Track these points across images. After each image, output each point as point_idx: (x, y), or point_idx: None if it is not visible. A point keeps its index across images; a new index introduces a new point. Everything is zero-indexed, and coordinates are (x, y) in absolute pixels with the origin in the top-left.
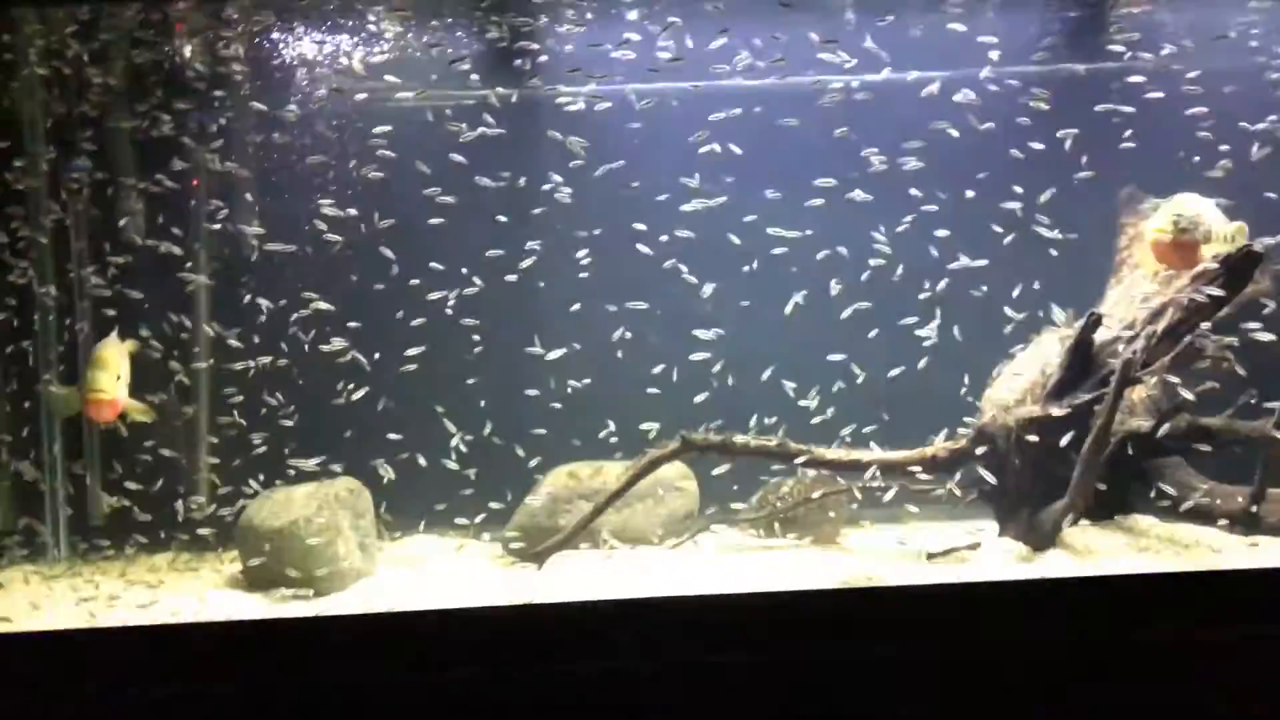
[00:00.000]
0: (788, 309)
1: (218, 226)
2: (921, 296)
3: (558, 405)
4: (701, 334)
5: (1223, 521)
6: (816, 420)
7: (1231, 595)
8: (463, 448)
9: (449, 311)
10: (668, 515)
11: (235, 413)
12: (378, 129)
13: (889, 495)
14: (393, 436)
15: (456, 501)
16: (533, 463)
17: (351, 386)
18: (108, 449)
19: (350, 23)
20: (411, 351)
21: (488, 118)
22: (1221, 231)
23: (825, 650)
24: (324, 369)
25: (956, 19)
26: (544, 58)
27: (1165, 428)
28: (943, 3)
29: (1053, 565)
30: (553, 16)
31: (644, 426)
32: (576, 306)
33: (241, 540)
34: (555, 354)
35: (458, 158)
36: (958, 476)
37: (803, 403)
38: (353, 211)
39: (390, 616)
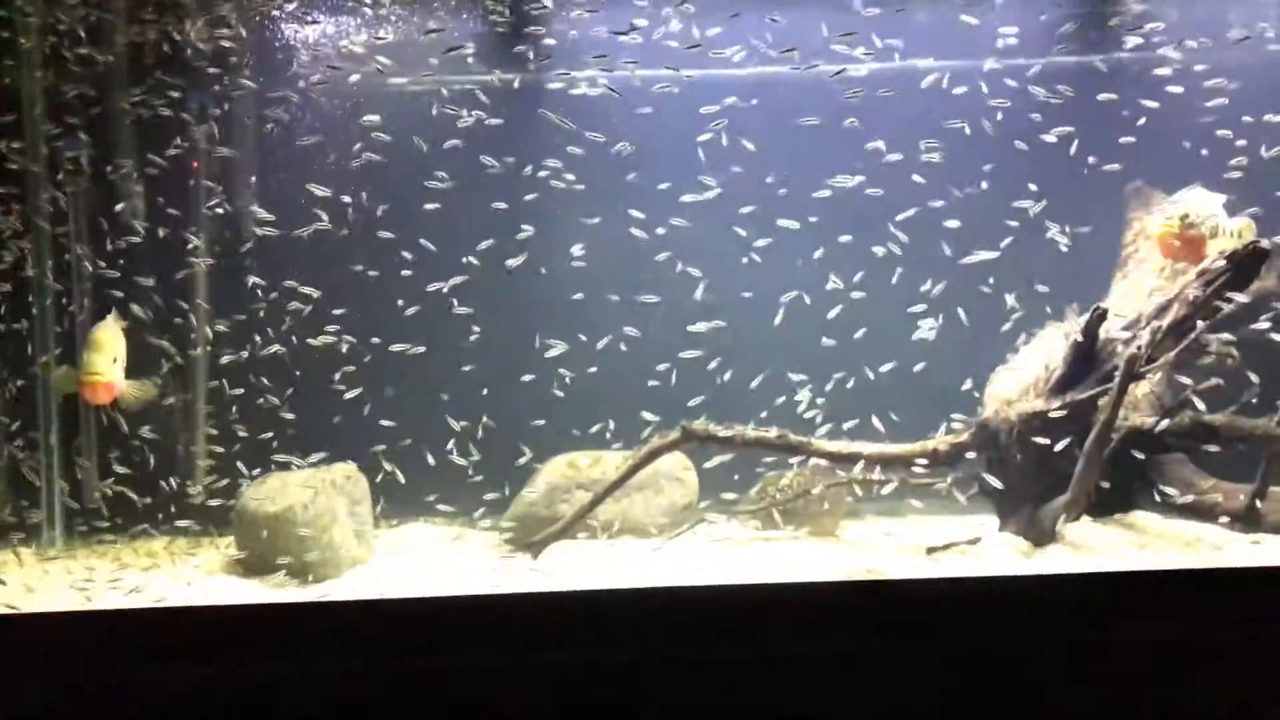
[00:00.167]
0: (776, 319)
1: (215, 209)
2: (923, 289)
3: (560, 394)
4: (699, 328)
5: (1224, 519)
6: (814, 414)
7: (1233, 593)
8: (473, 452)
9: (452, 302)
10: (667, 506)
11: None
12: (372, 115)
13: (888, 489)
14: (385, 423)
15: (453, 490)
16: (529, 455)
17: (351, 370)
18: (104, 433)
19: (351, 4)
20: (398, 347)
21: (473, 109)
22: (1228, 227)
23: (821, 643)
24: (321, 357)
25: (967, 11)
26: (551, 42)
27: (1168, 424)
28: None
29: (1053, 561)
30: (561, 3)
31: (646, 416)
32: (579, 296)
33: (237, 526)
34: (554, 351)
35: (454, 142)
36: (953, 476)
37: (803, 398)
38: (346, 199)
39: (385, 603)
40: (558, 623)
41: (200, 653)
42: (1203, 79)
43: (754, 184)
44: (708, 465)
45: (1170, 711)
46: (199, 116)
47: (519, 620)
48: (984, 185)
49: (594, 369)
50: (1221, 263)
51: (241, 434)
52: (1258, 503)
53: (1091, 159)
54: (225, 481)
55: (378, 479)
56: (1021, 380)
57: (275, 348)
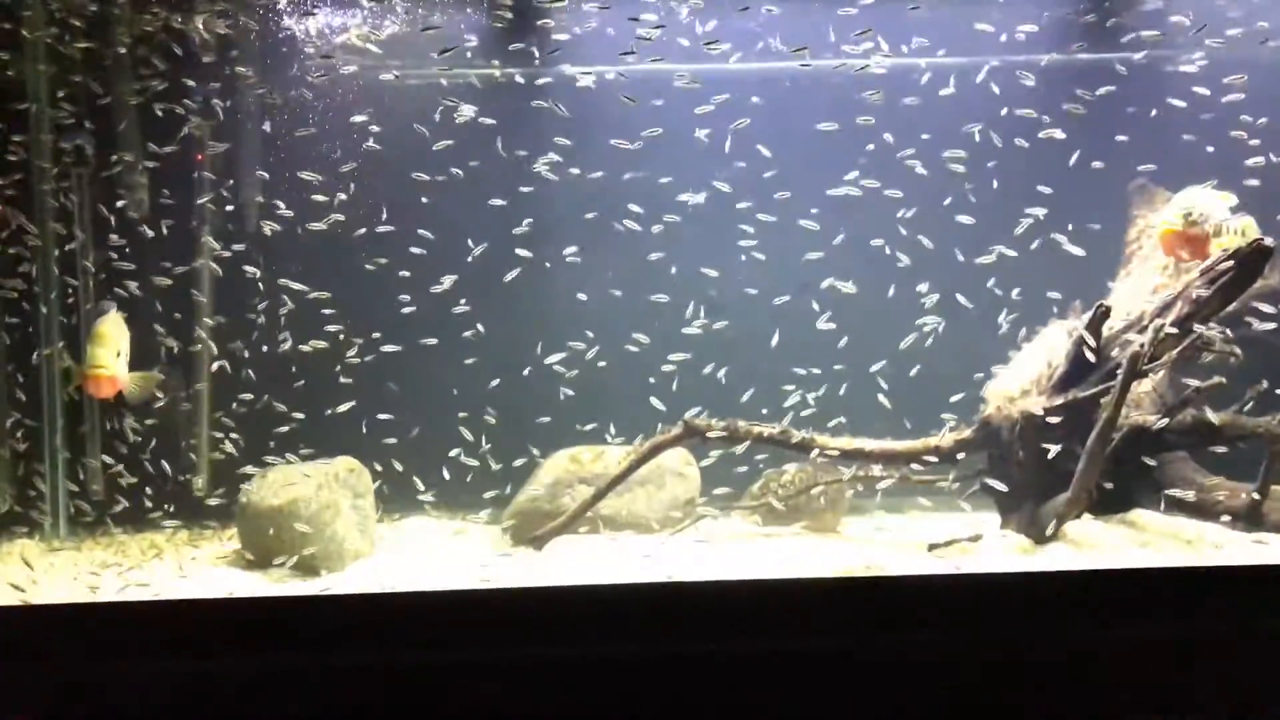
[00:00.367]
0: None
1: (219, 203)
2: (920, 287)
3: (570, 392)
4: (694, 330)
5: (1226, 517)
6: (811, 411)
7: (1234, 591)
8: (482, 445)
9: (458, 299)
10: (669, 501)
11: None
12: (384, 110)
13: (883, 484)
14: (385, 417)
15: (456, 484)
16: (537, 454)
17: (355, 363)
18: (108, 426)
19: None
20: (387, 347)
21: (481, 102)
22: (1232, 225)
23: (821, 639)
24: (326, 353)
25: (978, 13)
26: (562, 36)
27: (1169, 422)
28: None
29: (1054, 558)
30: None
31: (655, 403)
32: (582, 297)
33: (241, 519)
34: (554, 358)
35: (445, 143)
36: (955, 473)
37: (802, 395)
38: (341, 198)
39: (387, 596)
40: (559, 617)
41: (202, 645)
42: (1214, 77)
43: (760, 182)
44: (703, 463)
45: (1170, 709)
46: (203, 110)
47: (521, 614)
48: (994, 184)
49: (603, 363)
50: (1226, 261)
51: (243, 431)
52: (1259, 500)
53: (1097, 162)
54: (229, 475)
55: (380, 473)
56: (1024, 378)
57: (283, 344)
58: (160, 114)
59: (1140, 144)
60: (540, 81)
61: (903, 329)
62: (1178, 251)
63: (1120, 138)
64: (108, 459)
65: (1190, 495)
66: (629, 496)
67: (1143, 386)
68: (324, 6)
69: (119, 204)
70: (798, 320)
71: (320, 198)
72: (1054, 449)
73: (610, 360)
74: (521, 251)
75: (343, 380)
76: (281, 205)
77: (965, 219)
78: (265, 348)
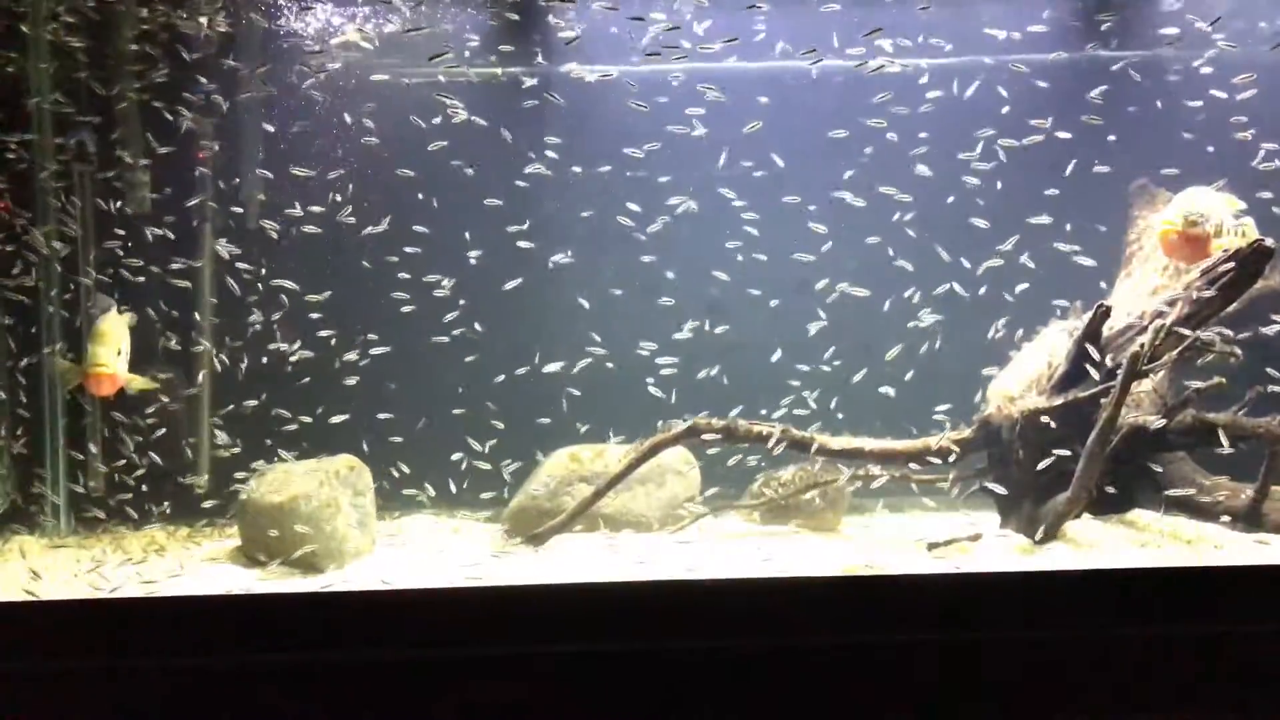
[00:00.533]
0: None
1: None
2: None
3: (576, 392)
4: (683, 334)
5: (1225, 518)
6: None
7: (1233, 591)
8: (483, 449)
9: (460, 302)
10: (669, 500)
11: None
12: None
13: (875, 484)
14: (383, 416)
15: (456, 482)
16: (538, 456)
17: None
18: (110, 424)
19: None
20: (379, 348)
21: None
22: (1232, 225)
23: (819, 637)
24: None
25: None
26: (571, 34)
27: (1169, 422)
28: None
29: (1053, 558)
30: None
31: (654, 392)
32: (584, 304)
33: (241, 516)
34: (552, 367)
35: (439, 144)
36: (955, 473)
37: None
38: (337, 198)
39: (386, 594)
40: (558, 614)
41: (202, 643)
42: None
43: (763, 183)
44: (702, 462)
45: (1171, 708)
46: (204, 107)
47: (520, 612)
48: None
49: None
50: (1226, 261)
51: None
52: (1259, 500)
53: (1102, 167)
54: (229, 472)
55: (380, 471)
56: (1024, 377)
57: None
58: (162, 111)
59: (1141, 145)
60: (531, 81)
61: (903, 330)
62: (1178, 252)
63: (1112, 137)
64: (109, 456)
65: (1190, 495)
66: (628, 495)
67: (1143, 387)
68: (326, 4)
69: (120, 202)
70: (799, 321)
71: (318, 205)
72: (1054, 447)
73: (612, 360)
74: (524, 244)
75: (343, 379)
76: (286, 204)
77: (969, 220)
78: (267, 346)
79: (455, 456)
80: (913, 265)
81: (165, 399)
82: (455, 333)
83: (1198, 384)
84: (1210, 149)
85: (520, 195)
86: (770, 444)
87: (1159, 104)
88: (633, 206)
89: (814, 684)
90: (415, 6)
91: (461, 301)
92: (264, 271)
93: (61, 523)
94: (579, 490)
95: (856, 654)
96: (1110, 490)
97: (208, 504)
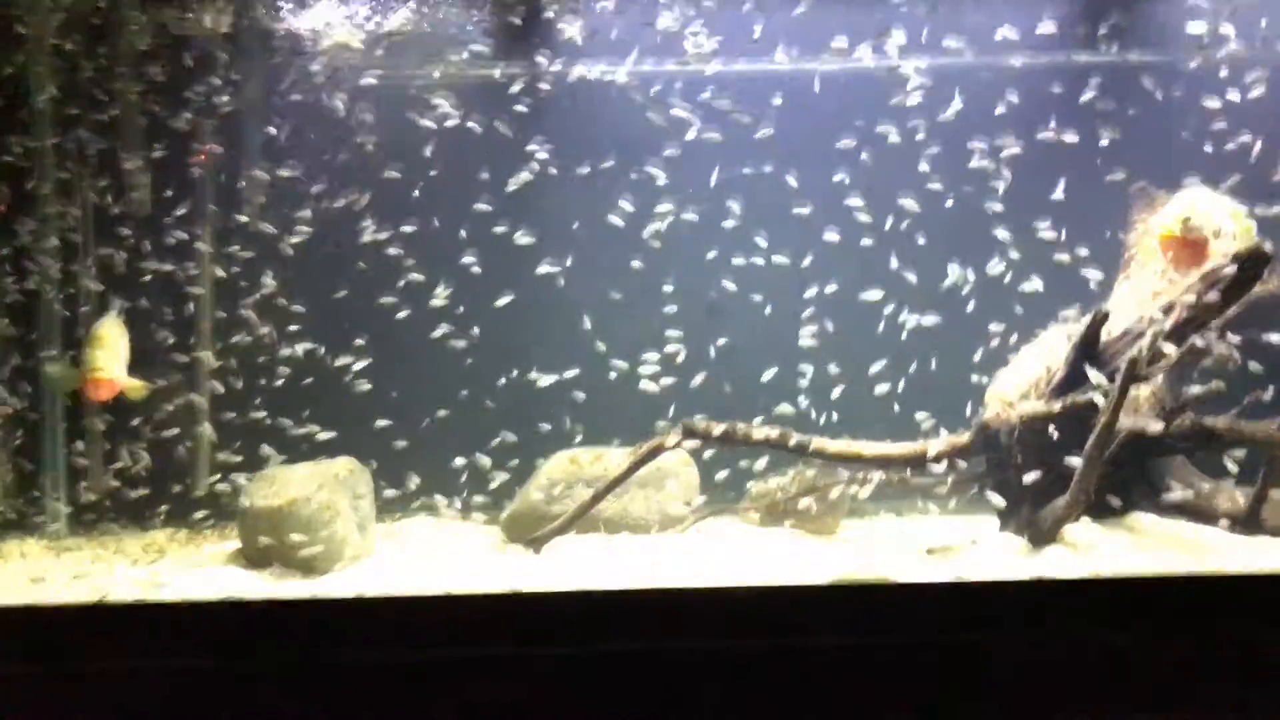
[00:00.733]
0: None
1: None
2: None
3: (581, 395)
4: (670, 334)
5: (1224, 522)
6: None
7: (1232, 595)
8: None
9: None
10: (668, 503)
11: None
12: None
13: (866, 492)
14: (381, 423)
15: (456, 485)
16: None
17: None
18: (109, 427)
19: None
20: (358, 349)
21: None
22: (1231, 229)
23: (817, 641)
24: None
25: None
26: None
27: (1168, 426)
28: None
29: (1052, 562)
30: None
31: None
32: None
33: (240, 519)
34: (544, 381)
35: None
36: (954, 477)
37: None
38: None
39: (386, 597)
40: (556, 618)
41: (201, 645)
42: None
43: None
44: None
45: (1169, 711)
46: (204, 108)
47: (518, 615)
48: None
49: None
50: (1225, 265)
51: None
52: (1258, 505)
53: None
54: (229, 475)
55: (380, 474)
56: (1022, 381)
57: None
58: (161, 112)
59: (1141, 146)
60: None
61: (902, 331)
62: (1176, 256)
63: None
64: (109, 459)
65: (1189, 499)
66: (627, 498)
67: (1142, 391)
68: (326, 5)
69: (120, 203)
70: (797, 322)
71: (320, 207)
72: (1053, 451)
73: (615, 366)
74: (524, 239)
75: (341, 381)
76: (285, 205)
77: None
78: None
79: (457, 461)
80: (912, 270)
81: (166, 403)
82: (445, 335)
83: (1196, 388)
84: (1213, 150)
85: (523, 197)
86: (769, 447)
87: (1164, 107)
88: (627, 206)
89: (813, 685)
90: (418, 6)
91: (461, 309)
92: (265, 275)
93: (61, 525)
94: (578, 493)
95: (856, 656)
96: (1109, 494)
97: (207, 507)
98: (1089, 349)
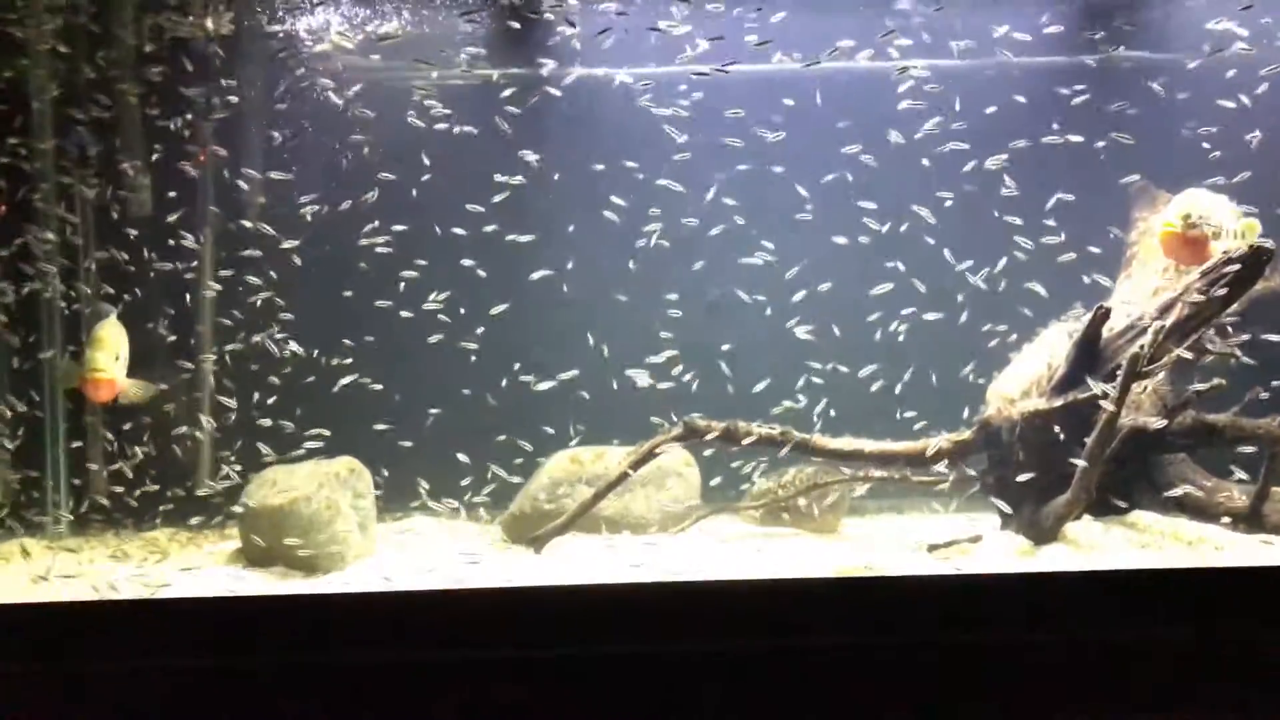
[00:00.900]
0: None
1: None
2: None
3: (585, 395)
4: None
5: (1226, 519)
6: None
7: (1234, 592)
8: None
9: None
10: (669, 502)
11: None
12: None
13: (860, 491)
14: (379, 427)
15: (457, 484)
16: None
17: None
18: (110, 426)
19: None
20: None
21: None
22: (1231, 227)
23: (818, 639)
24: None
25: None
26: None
27: (1170, 424)
28: None
29: (1054, 560)
30: None
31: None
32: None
33: (241, 518)
34: (544, 385)
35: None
36: (955, 475)
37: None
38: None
39: (388, 595)
40: (557, 616)
41: (202, 644)
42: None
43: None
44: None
45: (1171, 709)
46: (205, 109)
47: (519, 613)
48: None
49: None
50: (1226, 263)
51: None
52: (1260, 502)
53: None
54: (231, 474)
55: (381, 473)
56: (1024, 379)
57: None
58: (162, 113)
59: (1143, 145)
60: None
61: (899, 330)
62: (1178, 253)
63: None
64: (110, 458)
65: (1191, 496)
66: (629, 497)
67: (1143, 388)
68: (324, 6)
69: (120, 204)
70: (795, 321)
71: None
72: (1054, 449)
73: (612, 362)
74: (519, 237)
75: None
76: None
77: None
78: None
79: (462, 458)
80: (909, 268)
81: (167, 404)
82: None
83: (1198, 385)
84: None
85: (522, 198)
86: (770, 445)
87: (1167, 105)
88: (623, 204)
89: (814, 684)
90: (416, 7)
91: (462, 310)
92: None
93: (62, 524)
94: (579, 492)
95: (856, 654)
96: (1110, 491)
97: (208, 505)
98: (1090, 346)
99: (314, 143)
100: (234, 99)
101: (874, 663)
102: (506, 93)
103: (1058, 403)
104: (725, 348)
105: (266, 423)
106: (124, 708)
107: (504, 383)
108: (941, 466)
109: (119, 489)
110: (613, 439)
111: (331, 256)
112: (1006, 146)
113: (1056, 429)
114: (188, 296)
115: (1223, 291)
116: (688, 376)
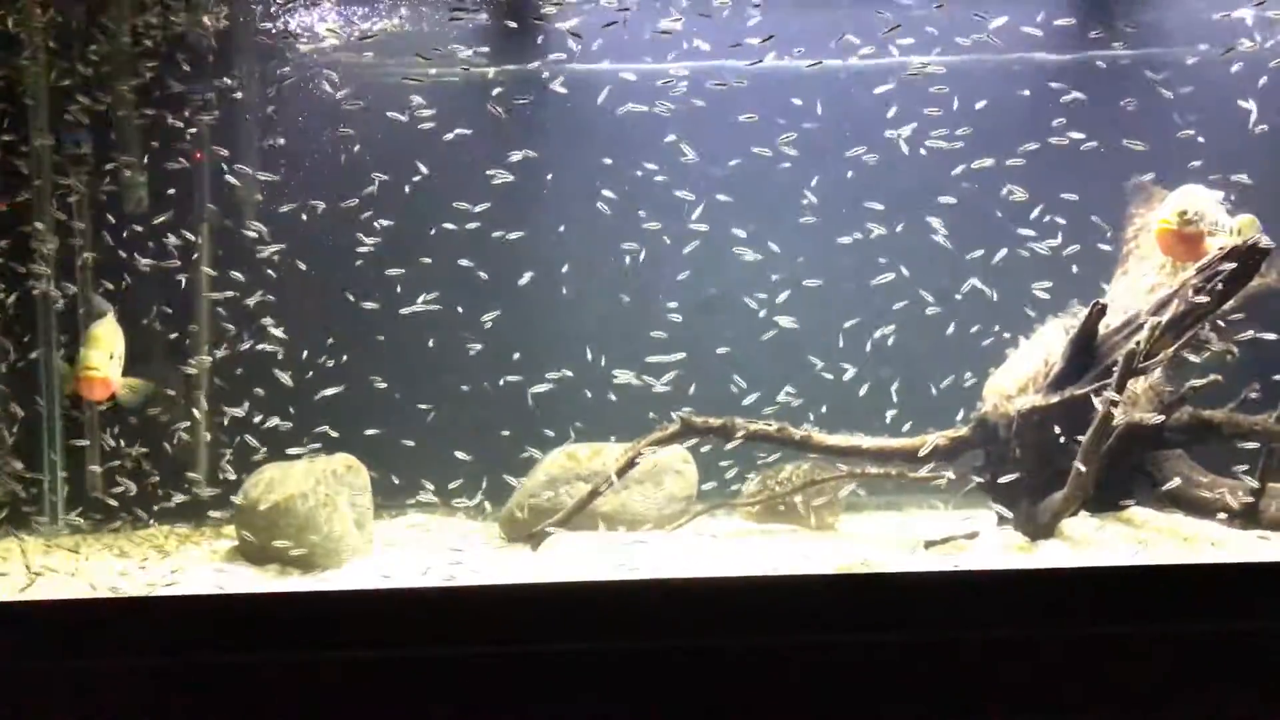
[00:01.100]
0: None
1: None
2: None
3: (588, 393)
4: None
5: (1222, 515)
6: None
7: (1231, 588)
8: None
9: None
10: (666, 498)
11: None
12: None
13: (845, 492)
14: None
15: (455, 481)
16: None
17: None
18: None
19: None
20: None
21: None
22: (1227, 224)
23: (815, 635)
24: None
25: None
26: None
27: (1166, 419)
28: None
29: (1050, 556)
30: None
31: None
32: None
33: (238, 515)
34: (538, 389)
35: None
36: (952, 471)
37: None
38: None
39: (384, 593)
40: (554, 613)
41: (198, 642)
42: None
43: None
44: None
45: (1169, 705)
46: (201, 107)
47: (516, 610)
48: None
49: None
50: (1223, 260)
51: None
52: (1256, 497)
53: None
54: (228, 472)
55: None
56: (1021, 375)
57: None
58: (159, 112)
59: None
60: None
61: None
62: (1173, 249)
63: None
64: (107, 457)
65: (1187, 492)
66: (626, 494)
67: (1140, 384)
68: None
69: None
70: (793, 319)
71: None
72: (1051, 445)
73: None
74: (511, 234)
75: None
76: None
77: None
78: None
79: (463, 457)
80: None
81: (164, 403)
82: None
83: (1194, 381)
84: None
85: (521, 199)
86: (766, 441)
87: (1169, 102)
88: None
89: (812, 682)
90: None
91: (460, 309)
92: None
93: (59, 523)
94: (576, 489)
95: (854, 652)
96: (1107, 487)
97: (204, 503)
98: (1087, 342)
99: (312, 142)
100: (234, 96)
101: (870, 659)
102: (495, 91)
103: (1054, 399)
104: (721, 351)
105: (271, 422)
106: (120, 706)
107: (500, 382)
108: (939, 463)
109: (117, 488)
110: (610, 436)
111: (330, 255)
112: (1002, 145)
113: (1053, 425)
114: (184, 293)
115: (1219, 288)
116: (681, 374)
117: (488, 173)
